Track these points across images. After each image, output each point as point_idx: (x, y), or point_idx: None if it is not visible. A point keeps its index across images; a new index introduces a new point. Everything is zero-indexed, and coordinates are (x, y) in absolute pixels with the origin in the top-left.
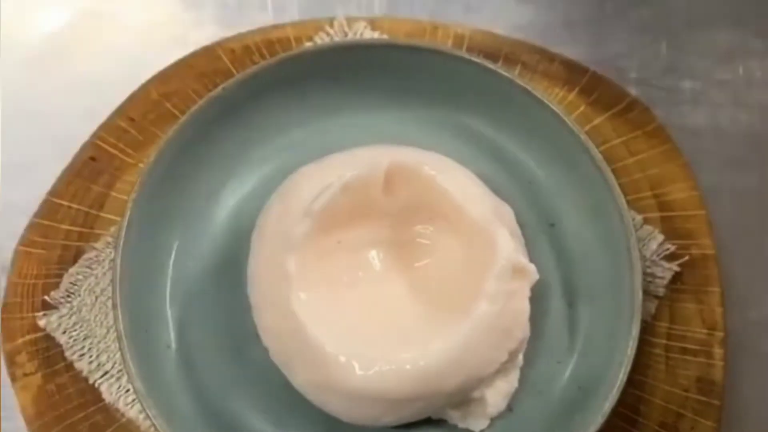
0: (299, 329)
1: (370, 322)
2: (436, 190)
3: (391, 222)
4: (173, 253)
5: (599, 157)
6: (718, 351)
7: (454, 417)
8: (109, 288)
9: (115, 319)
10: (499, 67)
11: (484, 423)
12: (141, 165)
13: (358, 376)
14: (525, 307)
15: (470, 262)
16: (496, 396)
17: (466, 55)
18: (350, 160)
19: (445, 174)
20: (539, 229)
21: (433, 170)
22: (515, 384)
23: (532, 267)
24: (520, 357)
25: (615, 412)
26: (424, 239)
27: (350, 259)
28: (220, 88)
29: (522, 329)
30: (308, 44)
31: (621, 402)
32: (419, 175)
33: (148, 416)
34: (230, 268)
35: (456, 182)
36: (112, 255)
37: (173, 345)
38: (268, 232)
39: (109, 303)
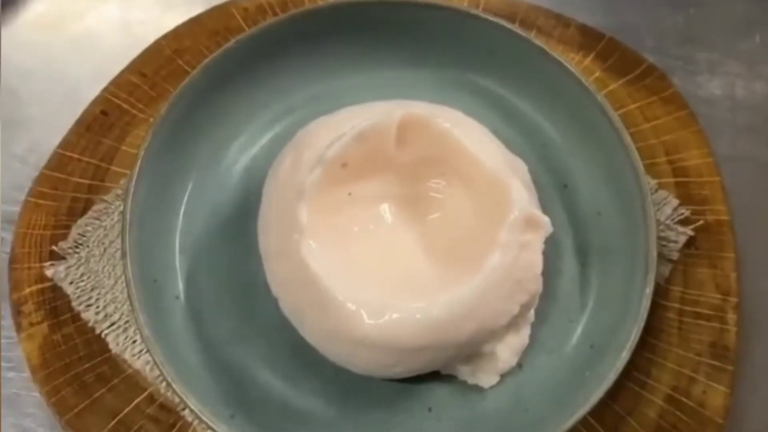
0: (310, 278)
1: (382, 273)
2: (450, 142)
3: (404, 176)
4: (184, 203)
5: (615, 117)
6: (731, 316)
7: (464, 372)
8: (118, 240)
9: (124, 266)
10: (515, 27)
11: (494, 379)
12: (152, 120)
13: (368, 325)
14: (538, 259)
15: (483, 214)
16: (507, 351)
17: (483, 14)
18: (364, 112)
19: (459, 127)
20: (553, 190)
21: (447, 122)
22: (526, 340)
23: (545, 219)
24: (532, 312)
25: (627, 375)
26: (436, 193)
27: (362, 211)
28: (233, 41)
29: (534, 282)
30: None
31: (633, 365)
32: (433, 127)
33: (155, 364)
34: (241, 220)
35: (469, 135)
36: (122, 207)
37: (182, 296)
38: (280, 182)
39: (118, 254)
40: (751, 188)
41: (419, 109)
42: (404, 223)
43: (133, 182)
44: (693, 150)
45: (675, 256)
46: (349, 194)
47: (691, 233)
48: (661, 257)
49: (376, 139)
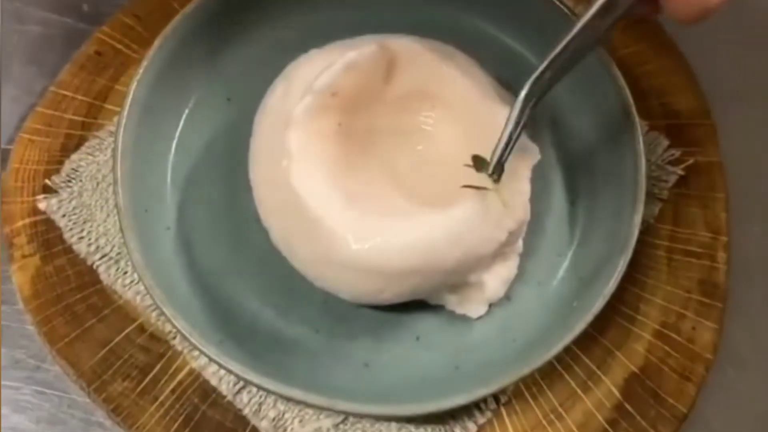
0: (298, 203)
1: (370, 199)
2: (439, 73)
3: (394, 108)
4: (177, 135)
5: (605, 53)
6: (721, 254)
7: (452, 302)
8: (111, 174)
9: (115, 194)
10: None
11: (482, 309)
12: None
13: (354, 248)
14: (526, 186)
15: (472, 143)
16: (495, 281)
17: None
18: (355, 44)
19: (449, 59)
20: (543, 128)
21: (437, 55)
22: (514, 271)
23: (534, 146)
24: (520, 243)
25: (616, 310)
26: (426, 126)
27: (352, 141)
28: None
29: (522, 210)
30: None
31: (622, 300)
32: (422, 58)
33: (146, 289)
34: (233, 153)
35: (459, 67)
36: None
37: (173, 226)
38: (270, 112)
39: (110, 189)
40: (742, 130)
41: (409, 41)
42: (394, 153)
43: (126, 110)
44: (685, 93)
45: (665, 195)
46: (339, 124)
47: (682, 173)
48: (651, 196)
49: (365, 70)
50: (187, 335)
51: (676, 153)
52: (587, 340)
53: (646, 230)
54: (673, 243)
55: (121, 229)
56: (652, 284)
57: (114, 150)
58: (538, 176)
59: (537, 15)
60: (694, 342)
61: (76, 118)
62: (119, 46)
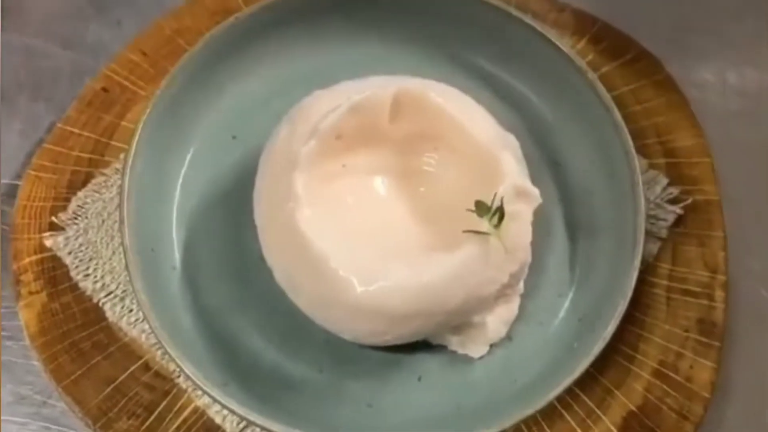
0: (303, 245)
1: (374, 241)
2: (443, 117)
3: (397, 150)
4: (182, 175)
5: (606, 95)
6: (719, 293)
7: (454, 342)
8: (116, 212)
9: (122, 234)
10: (509, 7)
11: (483, 349)
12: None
13: (359, 291)
14: (527, 229)
15: (474, 186)
16: (497, 322)
17: None
18: (359, 86)
19: (452, 102)
20: (545, 168)
21: (440, 98)
22: (515, 311)
23: (535, 191)
24: (521, 284)
25: (615, 349)
26: (429, 167)
27: (356, 183)
28: (233, 17)
29: (524, 251)
30: None
31: (621, 339)
32: (426, 101)
33: (151, 329)
34: (238, 192)
35: (462, 110)
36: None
37: (178, 266)
38: (276, 153)
39: (116, 226)
40: (739, 170)
41: (413, 84)
42: (397, 195)
43: (132, 151)
44: (684, 131)
45: (664, 233)
46: (344, 166)
47: (680, 212)
48: (650, 235)
49: (370, 112)
50: (192, 377)
51: (675, 191)
52: (587, 379)
53: (644, 269)
54: (672, 282)
55: (127, 269)
56: (651, 323)
57: (120, 190)
58: (540, 214)
59: (542, 60)
60: (692, 381)
61: (82, 154)
62: (126, 83)
